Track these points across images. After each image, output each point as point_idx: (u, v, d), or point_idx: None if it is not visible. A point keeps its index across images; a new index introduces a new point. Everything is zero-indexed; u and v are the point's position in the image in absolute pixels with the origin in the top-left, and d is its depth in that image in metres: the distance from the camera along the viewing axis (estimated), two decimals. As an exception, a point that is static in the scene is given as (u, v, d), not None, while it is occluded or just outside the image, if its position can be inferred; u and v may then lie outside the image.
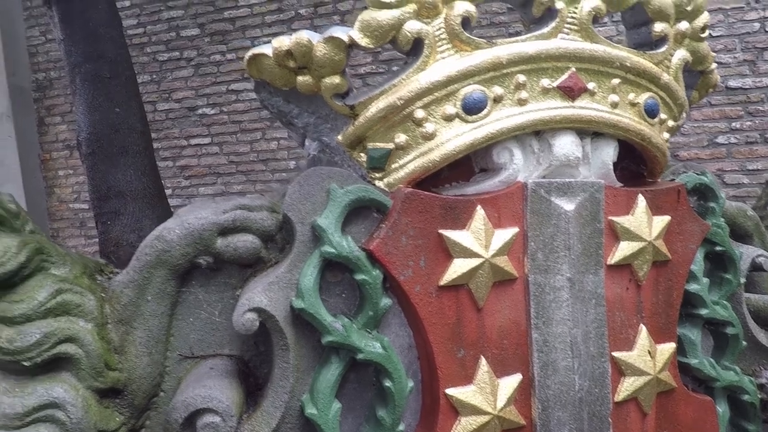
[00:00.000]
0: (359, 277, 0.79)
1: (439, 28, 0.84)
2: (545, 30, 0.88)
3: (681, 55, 1.00)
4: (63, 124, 4.00)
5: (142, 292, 0.82)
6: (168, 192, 3.39)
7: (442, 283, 0.82)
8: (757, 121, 2.51)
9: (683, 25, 0.98)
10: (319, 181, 0.86)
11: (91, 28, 2.68)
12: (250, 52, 0.89)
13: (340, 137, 0.91)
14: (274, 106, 0.98)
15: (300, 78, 0.88)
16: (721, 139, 2.56)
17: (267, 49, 0.87)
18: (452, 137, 0.85)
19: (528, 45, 0.87)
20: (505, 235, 0.87)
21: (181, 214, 0.89)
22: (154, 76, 3.61)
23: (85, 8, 2.67)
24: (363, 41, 0.82)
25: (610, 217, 0.95)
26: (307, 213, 0.84)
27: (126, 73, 2.84)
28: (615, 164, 1.00)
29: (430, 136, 0.86)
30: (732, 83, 2.53)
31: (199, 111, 3.51)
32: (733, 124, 2.54)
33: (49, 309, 0.72)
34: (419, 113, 0.85)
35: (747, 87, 2.51)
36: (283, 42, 0.85)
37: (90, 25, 2.68)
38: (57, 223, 4.03)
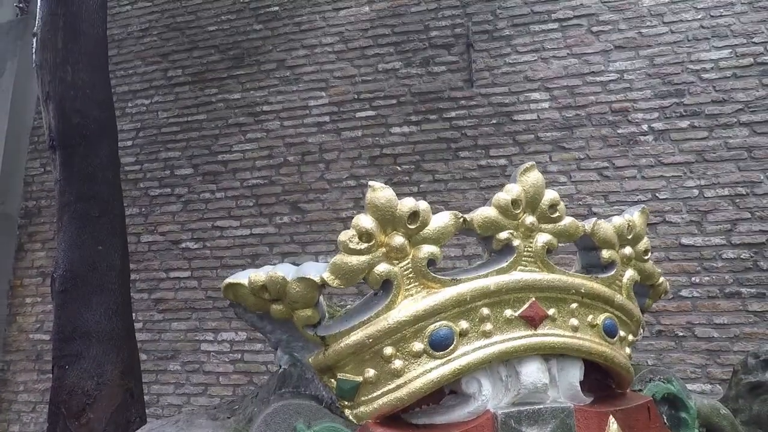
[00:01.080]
0: None
1: (407, 269, 0.91)
2: (504, 264, 0.96)
3: (629, 275, 1.09)
4: (42, 251, 3.98)
5: None
6: (138, 326, 3.27)
7: None
8: (713, 277, 2.66)
9: (627, 250, 1.09)
10: (286, 418, 0.84)
11: (89, 171, 2.80)
12: (226, 281, 0.94)
13: (311, 360, 0.92)
14: (248, 320, 1.00)
15: (274, 306, 0.92)
16: (684, 293, 2.68)
17: (243, 280, 0.92)
18: (420, 374, 0.87)
19: (489, 280, 0.94)
20: (476, 478, 0.84)
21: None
22: (143, 209, 3.72)
23: (87, 153, 2.82)
24: (334, 282, 0.88)
25: (583, 445, 0.93)
26: (270, 458, 0.81)
27: (115, 211, 2.91)
28: (584, 376, 1.02)
29: (398, 373, 0.87)
30: (684, 241, 2.74)
31: (183, 245, 3.56)
32: (693, 278, 2.69)
33: None
34: (388, 350, 0.87)
35: (698, 245, 2.71)
36: (259, 277, 0.90)
37: (89, 168, 2.80)
38: (11, 354, 3.76)
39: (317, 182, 3.36)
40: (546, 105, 3.11)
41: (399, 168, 3.26)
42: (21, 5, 4.64)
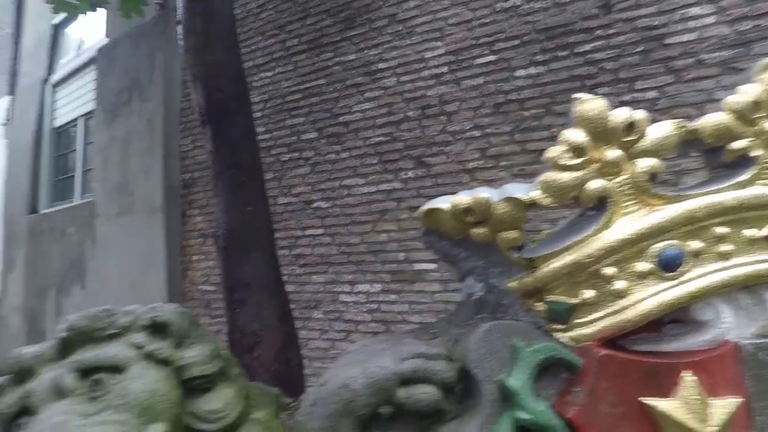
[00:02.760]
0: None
1: (624, 185, 0.83)
2: (742, 178, 0.83)
3: None
4: (200, 216, 4.62)
5: (330, 441, 0.84)
6: (284, 279, 3.65)
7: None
8: None
9: None
10: (502, 336, 0.85)
11: (234, 142, 3.13)
12: (425, 206, 0.96)
13: (514, 285, 0.91)
14: (439, 249, 1.02)
15: (475, 230, 0.92)
16: None
17: (444, 204, 0.93)
18: (649, 296, 0.81)
19: (724, 195, 0.82)
20: (723, 407, 0.77)
21: (360, 363, 0.93)
22: (276, 174, 4.07)
23: (230, 127, 3.16)
24: (545, 201, 0.84)
25: None
26: (492, 370, 0.83)
27: (258, 177, 3.23)
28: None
29: (621, 294, 0.82)
30: None
31: (314, 204, 3.83)
32: None
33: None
34: (608, 270, 0.82)
35: None
36: (462, 200, 0.90)
37: (233, 139, 3.14)
38: (189, 302, 4.49)
39: (440, 135, 3.31)
40: (711, 20, 2.60)
41: (527, 113, 3.05)
42: (160, 1, 5.21)
